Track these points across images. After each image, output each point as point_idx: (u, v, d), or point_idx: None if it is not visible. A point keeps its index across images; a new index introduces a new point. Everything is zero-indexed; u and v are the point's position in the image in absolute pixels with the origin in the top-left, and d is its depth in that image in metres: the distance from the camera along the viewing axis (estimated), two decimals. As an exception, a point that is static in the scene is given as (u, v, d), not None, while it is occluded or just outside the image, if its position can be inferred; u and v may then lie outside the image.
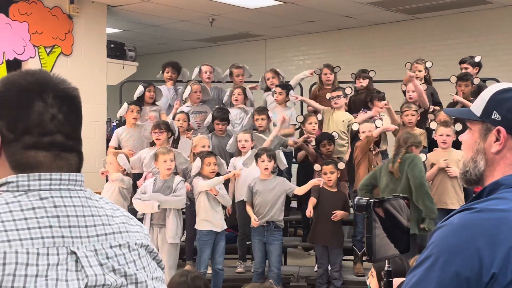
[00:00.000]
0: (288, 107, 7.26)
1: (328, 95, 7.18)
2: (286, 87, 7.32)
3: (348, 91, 7.17)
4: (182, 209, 5.96)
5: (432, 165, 5.99)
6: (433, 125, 6.24)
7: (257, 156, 6.03)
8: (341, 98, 7.04)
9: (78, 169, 1.28)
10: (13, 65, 8.12)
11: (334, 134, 6.67)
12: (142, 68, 10.35)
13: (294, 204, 7.64)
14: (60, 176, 1.22)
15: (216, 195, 5.88)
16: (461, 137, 1.53)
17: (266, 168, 5.97)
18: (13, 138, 1.21)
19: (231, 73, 7.70)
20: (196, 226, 5.98)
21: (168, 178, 5.89)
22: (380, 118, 6.57)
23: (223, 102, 7.56)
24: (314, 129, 6.93)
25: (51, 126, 1.23)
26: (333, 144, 6.58)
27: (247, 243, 6.46)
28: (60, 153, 1.24)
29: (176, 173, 6.13)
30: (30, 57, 8.33)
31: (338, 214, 6.03)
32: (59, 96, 1.25)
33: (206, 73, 7.68)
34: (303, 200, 6.61)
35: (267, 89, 7.59)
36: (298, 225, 8.48)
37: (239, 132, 6.75)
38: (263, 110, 6.94)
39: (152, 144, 6.61)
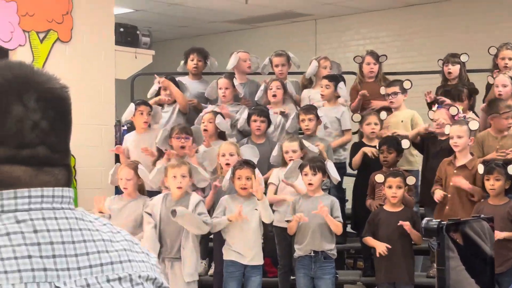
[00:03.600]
0: (339, 104, 7.27)
1: (382, 91, 7.17)
2: (335, 78, 7.31)
3: (407, 85, 7.13)
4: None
5: None
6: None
7: (300, 168, 6.06)
8: (399, 96, 7.04)
9: (67, 185, 1.28)
10: None
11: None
12: (159, 57, 10.42)
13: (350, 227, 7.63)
14: (42, 193, 1.23)
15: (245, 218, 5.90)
16: None
17: (311, 184, 6.00)
18: None
19: (271, 63, 7.74)
20: (224, 255, 6.01)
21: (180, 198, 5.93)
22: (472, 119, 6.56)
23: (256, 99, 7.60)
24: (374, 131, 6.95)
25: (32, 136, 1.23)
26: (396, 152, 6.58)
27: (291, 277, 6.45)
28: (43, 168, 1.25)
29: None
30: (19, 45, 8.39)
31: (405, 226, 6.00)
32: (43, 98, 1.25)
33: (245, 61, 7.73)
34: (361, 223, 6.63)
35: (309, 83, 7.59)
36: (358, 255, 8.42)
37: (281, 139, 6.80)
38: (310, 109, 6.94)
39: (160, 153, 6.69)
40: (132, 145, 7.16)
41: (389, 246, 6.01)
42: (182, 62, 7.96)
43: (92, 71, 8.82)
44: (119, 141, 8.77)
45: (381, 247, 6.02)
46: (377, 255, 6.06)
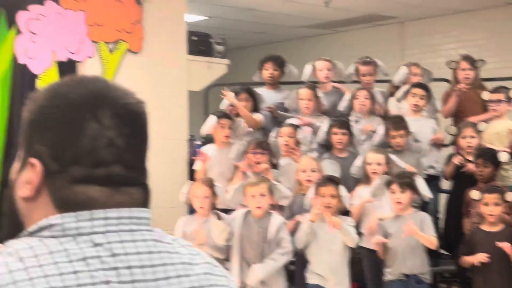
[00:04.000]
0: (425, 116, 7.15)
1: (485, 95, 7.01)
2: (427, 88, 7.21)
3: None
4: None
5: None
6: None
7: (387, 185, 6.03)
8: (503, 104, 6.90)
9: (143, 206, 1.29)
10: (66, 67, 8.28)
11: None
12: (234, 66, 10.39)
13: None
14: (119, 214, 1.24)
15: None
16: None
17: (399, 202, 5.92)
18: (59, 169, 1.24)
19: (356, 71, 7.63)
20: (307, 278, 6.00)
21: (261, 217, 5.91)
22: None
23: (341, 109, 7.49)
24: (470, 145, 6.79)
25: (107, 154, 1.25)
26: (493, 166, 6.47)
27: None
28: (119, 188, 1.26)
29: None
30: (88, 57, 8.50)
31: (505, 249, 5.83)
32: (118, 114, 1.26)
33: (322, 71, 7.59)
34: (455, 243, 6.57)
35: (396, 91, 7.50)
36: (453, 279, 8.20)
37: (367, 150, 6.72)
38: (400, 124, 6.79)
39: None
40: (211, 160, 7.09)
41: (488, 256, 5.86)
42: (257, 71, 7.90)
43: (164, 82, 8.84)
44: (193, 156, 8.74)
45: (480, 256, 5.86)
46: (477, 263, 5.89)
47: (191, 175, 7.69)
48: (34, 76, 8.17)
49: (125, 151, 1.26)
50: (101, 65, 8.57)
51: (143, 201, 1.29)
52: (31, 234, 1.23)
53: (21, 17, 8.06)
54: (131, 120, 1.28)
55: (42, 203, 1.25)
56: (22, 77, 8.55)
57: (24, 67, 8.22)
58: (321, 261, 5.93)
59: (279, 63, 7.85)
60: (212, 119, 7.17)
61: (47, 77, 8.19)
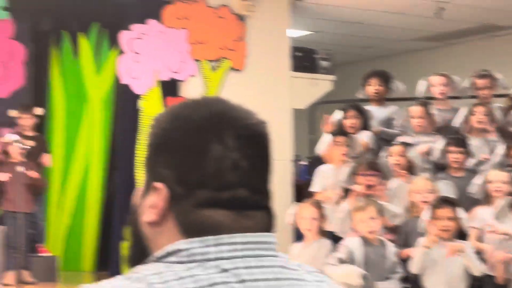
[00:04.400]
0: None
1: None
2: None
3: None
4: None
5: None
6: None
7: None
8: None
9: (268, 230, 1.29)
10: (169, 87, 8.47)
11: None
12: (340, 83, 10.36)
13: None
14: (245, 239, 1.24)
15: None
16: None
17: None
18: (184, 193, 1.25)
19: (472, 85, 7.48)
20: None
21: (378, 244, 5.79)
22: None
23: (457, 126, 7.33)
24: None
25: (232, 176, 1.25)
26: None
27: None
28: (244, 211, 1.26)
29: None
30: (190, 76, 8.64)
31: None
32: (242, 135, 1.27)
33: (436, 86, 7.48)
34: None
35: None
36: None
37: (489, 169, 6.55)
38: None
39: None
40: (328, 180, 7.04)
41: None
42: (361, 86, 7.87)
43: (267, 100, 8.88)
44: (299, 177, 8.74)
45: None
46: None
47: (297, 196, 7.66)
48: (136, 97, 8.36)
49: (249, 174, 1.27)
50: (203, 84, 8.71)
51: (268, 226, 1.29)
52: (158, 259, 1.24)
53: (124, 37, 8.28)
54: (254, 141, 1.29)
55: (167, 228, 1.27)
56: (124, 97, 8.79)
57: (126, 87, 8.42)
58: (439, 286, 5.79)
59: (385, 78, 7.76)
60: (327, 137, 7.15)
61: (149, 97, 8.37)
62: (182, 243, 1.23)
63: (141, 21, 8.39)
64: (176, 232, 1.25)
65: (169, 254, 1.23)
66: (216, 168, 1.24)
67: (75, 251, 9.09)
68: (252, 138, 1.28)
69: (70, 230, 9.13)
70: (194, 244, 1.22)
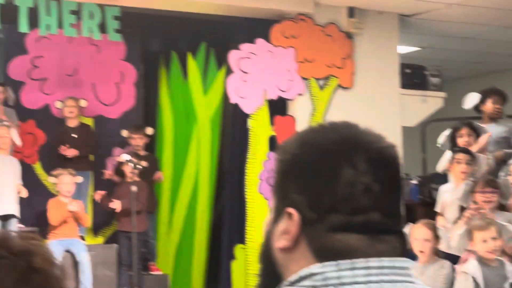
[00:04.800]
0: None
1: None
2: None
3: None
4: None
5: None
6: None
7: None
8: None
9: (402, 254, 1.30)
10: (277, 106, 8.64)
11: None
12: (451, 99, 10.24)
13: None
14: (380, 263, 1.25)
15: None
16: None
17: None
18: (316, 218, 1.27)
19: None
20: None
21: (497, 264, 5.77)
22: None
23: None
24: None
25: (365, 200, 1.27)
26: None
27: None
28: (378, 235, 1.28)
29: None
30: (298, 94, 8.77)
31: None
32: (373, 159, 1.29)
33: None
34: None
35: None
36: None
37: None
38: None
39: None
40: (449, 199, 7.04)
41: None
42: (475, 103, 7.80)
43: (376, 118, 8.84)
44: (409, 197, 8.70)
45: None
46: None
47: (408, 216, 7.63)
48: (245, 116, 8.53)
49: (381, 197, 1.28)
50: (311, 102, 8.81)
51: (402, 250, 1.30)
52: (292, 284, 1.27)
53: (233, 56, 8.46)
54: (385, 165, 1.30)
55: (300, 253, 1.29)
56: (233, 116, 9.01)
57: (235, 106, 8.60)
58: None
59: (503, 96, 7.74)
60: (447, 155, 7.14)
61: (258, 116, 8.54)
62: (316, 267, 1.24)
63: (249, 40, 8.56)
64: (309, 257, 1.27)
65: (303, 278, 1.25)
66: (348, 192, 1.26)
67: (184, 269, 9.29)
68: (383, 162, 1.30)
69: (180, 248, 9.34)
70: (328, 268, 1.24)
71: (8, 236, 1.13)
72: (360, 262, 1.24)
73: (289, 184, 1.32)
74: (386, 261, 1.25)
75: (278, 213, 1.33)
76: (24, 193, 7.83)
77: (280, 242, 1.31)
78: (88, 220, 8.28)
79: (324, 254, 1.26)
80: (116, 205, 8.16)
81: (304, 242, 1.28)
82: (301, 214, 1.28)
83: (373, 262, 1.24)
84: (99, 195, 8.48)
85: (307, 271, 1.25)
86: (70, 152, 8.46)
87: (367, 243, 1.26)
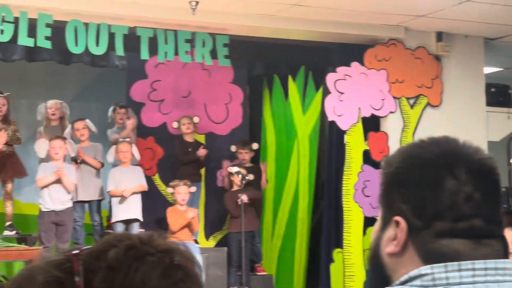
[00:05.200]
0: None
1: None
2: None
3: None
4: None
5: None
6: None
7: None
8: None
9: (504, 257, 1.34)
10: (370, 122, 9.07)
11: None
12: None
13: None
14: (485, 265, 1.28)
15: None
16: None
17: None
18: (422, 225, 1.34)
19: None
20: None
21: None
22: None
23: None
24: None
25: (467, 208, 1.32)
26: None
27: None
28: (480, 240, 1.32)
29: None
30: (390, 112, 9.15)
31: None
32: (473, 169, 1.34)
33: None
34: None
35: None
36: None
37: None
38: None
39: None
40: None
41: None
42: None
43: (463, 134, 8.71)
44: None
45: None
46: None
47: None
48: (342, 132, 9.01)
49: (482, 205, 1.31)
50: (402, 120, 9.21)
51: (504, 253, 1.33)
52: (403, 283, 1.31)
53: (330, 78, 8.96)
54: (485, 175, 1.35)
55: (408, 257, 1.34)
56: (330, 132, 9.49)
57: (332, 124, 9.10)
58: None
59: None
60: None
61: (353, 132, 9.00)
62: (425, 269, 1.30)
63: (345, 63, 8.97)
64: (416, 261, 1.33)
65: (412, 278, 1.30)
66: (451, 201, 1.31)
67: (287, 271, 9.72)
68: (482, 172, 1.34)
69: (282, 251, 9.79)
70: (436, 270, 1.28)
71: (153, 236, 1.17)
72: (466, 264, 1.27)
73: (395, 195, 1.38)
74: (490, 263, 1.28)
75: (386, 221, 1.39)
76: (128, 193, 8.46)
77: (389, 248, 1.36)
78: (197, 226, 8.84)
79: (431, 258, 1.31)
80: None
81: (411, 247, 1.34)
82: (408, 222, 1.34)
83: (478, 264, 1.27)
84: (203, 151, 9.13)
85: (417, 272, 1.30)
86: (203, 152, 9.14)
87: (471, 247, 1.30)
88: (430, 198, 1.32)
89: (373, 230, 1.44)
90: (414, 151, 1.39)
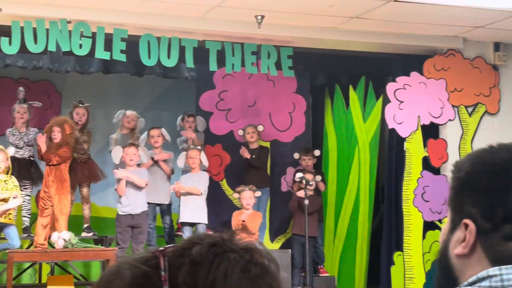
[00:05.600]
0: None
1: None
2: None
3: None
4: None
5: None
6: None
7: None
8: None
9: None
10: (429, 130, 9.22)
11: None
12: None
13: None
14: None
15: None
16: None
17: None
18: (491, 228, 1.34)
19: None
20: None
21: None
22: None
23: None
24: None
25: None
26: None
27: None
28: None
29: None
30: (449, 120, 9.27)
31: None
32: None
33: None
34: None
35: None
36: None
37: None
38: None
39: None
40: None
41: None
42: None
43: None
44: None
45: None
46: None
47: None
48: (401, 139, 9.19)
49: None
50: (461, 127, 9.35)
51: None
52: (470, 284, 1.31)
53: (390, 88, 9.15)
54: None
55: (476, 259, 1.34)
56: (390, 140, 9.69)
57: (392, 131, 9.30)
58: None
59: None
60: None
61: (413, 139, 9.17)
62: (493, 270, 1.30)
63: (405, 73, 9.14)
64: (484, 263, 1.33)
65: (480, 279, 1.30)
66: None
67: (348, 272, 9.93)
68: None
69: (344, 254, 10.00)
70: (505, 271, 1.28)
71: (234, 234, 1.19)
72: None
73: (465, 198, 1.38)
74: None
75: (454, 224, 1.40)
76: (177, 188, 8.76)
77: (457, 249, 1.37)
78: (254, 229, 8.80)
79: (499, 260, 1.31)
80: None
81: (480, 249, 1.34)
82: (477, 225, 1.34)
83: None
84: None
85: (485, 273, 1.30)
86: (244, 151, 9.42)
87: None
88: (500, 202, 1.33)
89: (442, 232, 1.46)
90: (484, 156, 1.40)
